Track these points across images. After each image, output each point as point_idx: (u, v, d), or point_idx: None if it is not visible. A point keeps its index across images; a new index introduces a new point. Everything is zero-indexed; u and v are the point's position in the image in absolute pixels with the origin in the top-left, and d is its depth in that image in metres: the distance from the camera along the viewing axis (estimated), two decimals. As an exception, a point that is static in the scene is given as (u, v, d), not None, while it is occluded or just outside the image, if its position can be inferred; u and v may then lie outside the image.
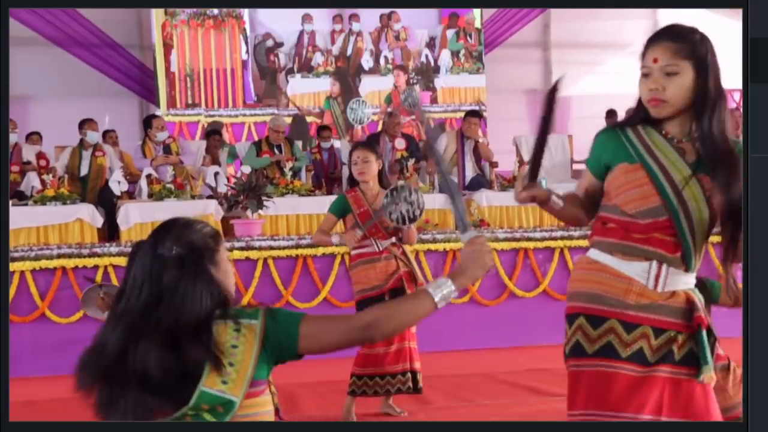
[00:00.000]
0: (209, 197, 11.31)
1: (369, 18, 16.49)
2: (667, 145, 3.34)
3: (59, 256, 9.54)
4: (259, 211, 10.34)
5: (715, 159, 3.29)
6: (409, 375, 6.97)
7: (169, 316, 2.71)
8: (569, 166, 13.71)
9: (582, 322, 3.35)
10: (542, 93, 17.69)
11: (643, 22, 15.65)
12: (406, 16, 16.59)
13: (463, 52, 16.76)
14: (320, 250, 10.05)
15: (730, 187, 3.26)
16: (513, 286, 10.50)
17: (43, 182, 11.08)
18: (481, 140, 12.99)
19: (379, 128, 13.75)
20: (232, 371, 2.69)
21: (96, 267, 9.59)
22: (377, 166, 7.03)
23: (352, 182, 7.17)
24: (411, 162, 11.84)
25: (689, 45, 3.28)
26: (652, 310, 3.28)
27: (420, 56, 16.75)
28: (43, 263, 9.49)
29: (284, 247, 10.02)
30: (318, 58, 16.31)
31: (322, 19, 16.42)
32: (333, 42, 16.41)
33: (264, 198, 10.31)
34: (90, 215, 10.71)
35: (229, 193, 10.53)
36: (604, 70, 16.12)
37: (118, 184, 11.60)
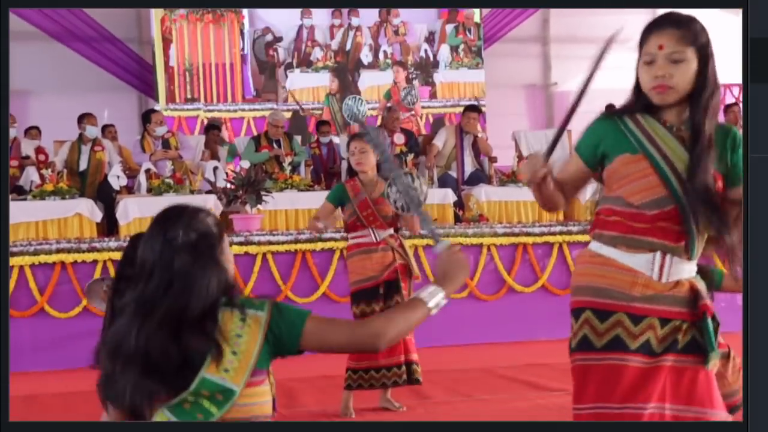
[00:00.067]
0: (208, 192, 11.30)
1: (368, 13, 16.47)
2: (668, 133, 3.32)
3: (58, 251, 9.56)
4: (258, 205, 10.35)
5: (698, 145, 3.29)
6: (404, 368, 6.98)
7: (179, 301, 2.72)
8: (568, 161, 13.70)
9: (589, 315, 3.34)
10: (541, 88, 17.76)
11: (643, 17, 15.54)
12: (405, 10, 16.56)
13: (462, 47, 16.75)
14: (319, 245, 10.06)
15: (696, 172, 3.27)
16: (512, 281, 10.52)
17: (42, 177, 11.06)
18: (480, 135, 12.99)
19: (378, 123, 13.74)
20: (235, 360, 2.71)
21: (95, 262, 9.61)
22: (375, 157, 7.04)
23: (351, 173, 7.19)
24: (410, 157, 11.84)
25: (692, 32, 3.28)
26: (657, 301, 3.28)
27: (419, 51, 16.74)
28: (42, 258, 9.52)
29: (283, 242, 10.04)
30: (317, 53, 16.29)
31: (321, 13, 16.39)
32: (332, 37, 16.40)
33: (263, 193, 10.32)
34: (89, 210, 10.71)
35: (228, 187, 10.53)
36: (604, 65, 16.08)
37: (117, 178, 11.59)
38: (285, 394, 7.65)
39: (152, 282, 2.75)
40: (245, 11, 15.92)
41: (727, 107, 13.01)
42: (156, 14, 15.49)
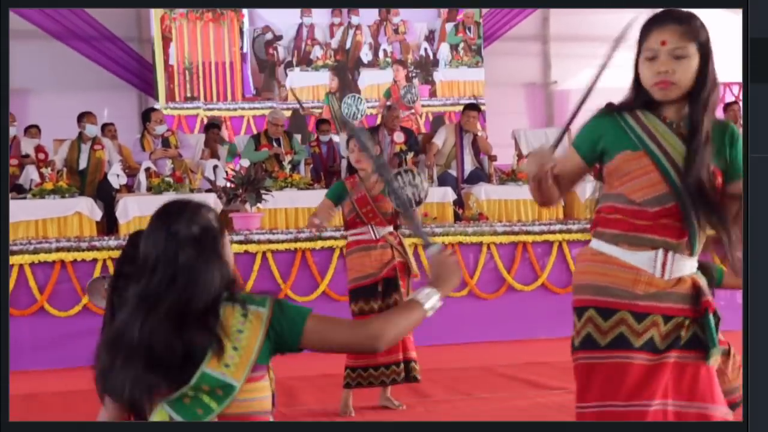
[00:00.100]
0: (208, 191, 11.31)
1: (368, 11, 16.46)
2: (668, 130, 3.31)
3: (58, 250, 9.56)
4: (258, 204, 10.35)
5: (695, 140, 3.29)
6: (402, 366, 6.98)
7: (183, 295, 2.72)
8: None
9: (592, 314, 3.33)
10: (541, 86, 17.75)
11: (643, 16, 15.59)
12: (404, 9, 16.55)
13: (462, 45, 16.75)
14: (319, 244, 10.07)
15: (692, 166, 3.27)
16: (512, 280, 10.52)
17: (41, 175, 11.06)
18: (479, 134, 12.99)
19: (378, 122, 13.74)
20: (236, 355, 2.71)
21: (95, 260, 9.61)
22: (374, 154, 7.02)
23: (351, 171, 7.19)
24: (410, 155, 11.83)
25: (694, 28, 3.28)
26: (660, 299, 3.28)
27: (419, 50, 16.74)
28: (42, 257, 9.52)
29: (283, 241, 10.04)
30: (317, 52, 16.29)
31: (320, 12, 16.38)
32: (332, 35, 16.39)
33: (263, 191, 10.31)
34: (89, 209, 10.71)
35: (228, 186, 10.53)
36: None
37: (116, 177, 11.59)
38: (285, 393, 7.65)
39: (156, 276, 2.75)
40: (245, 10, 15.90)
41: (727, 105, 13.01)
42: (156, 13, 15.48)
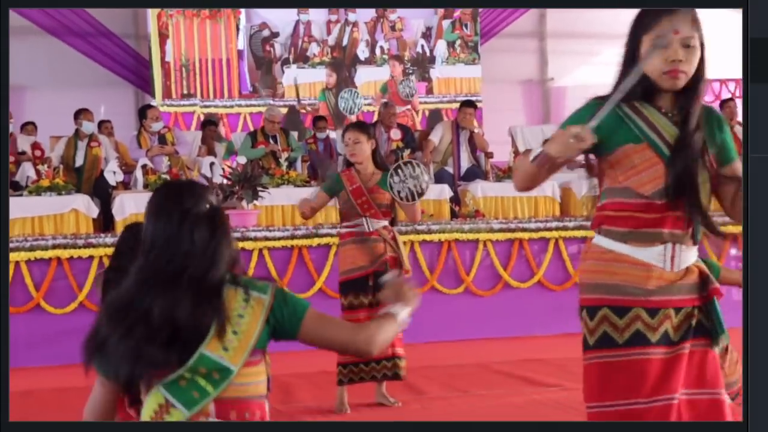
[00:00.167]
0: (204, 187, 11.28)
1: (365, 8, 16.45)
2: (667, 121, 3.30)
3: (54, 247, 9.55)
4: (255, 201, 10.35)
5: (687, 126, 3.29)
6: (393, 361, 6.97)
7: (196, 271, 2.74)
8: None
9: (607, 312, 3.31)
10: (538, 83, 17.76)
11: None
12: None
13: (458, 42, 16.74)
14: (315, 241, 10.07)
15: (680, 153, 3.27)
16: (508, 277, 10.52)
17: (38, 172, 11.07)
18: (476, 131, 13.00)
19: (375, 119, 13.75)
20: (235, 340, 2.72)
21: (91, 257, 9.60)
22: (369, 147, 7.04)
23: (349, 165, 7.19)
24: (406, 152, 11.86)
25: (698, 19, 3.28)
26: (672, 292, 3.28)
27: (416, 47, 16.73)
28: (38, 254, 9.50)
29: (279, 238, 10.04)
30: (314, 49, 16.29)
31: (317, 9, 16.37)
32: (329, 32, 16.38)
33: (259, 188, 10.31)
34: (85, 206, 10.72)
35: (225, 183, 10.53)
36: (600, 61, 16.05)
37: (113, 174, 11.59)
38: (281, 390, 7.65)
39: (167, 253, 2.76)
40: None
41: (723, 102, 13.02)
42: (152, 10, 15.46)
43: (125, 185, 11.77)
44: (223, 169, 11.61)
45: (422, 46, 16.75)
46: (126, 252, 3.49)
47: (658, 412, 3.24)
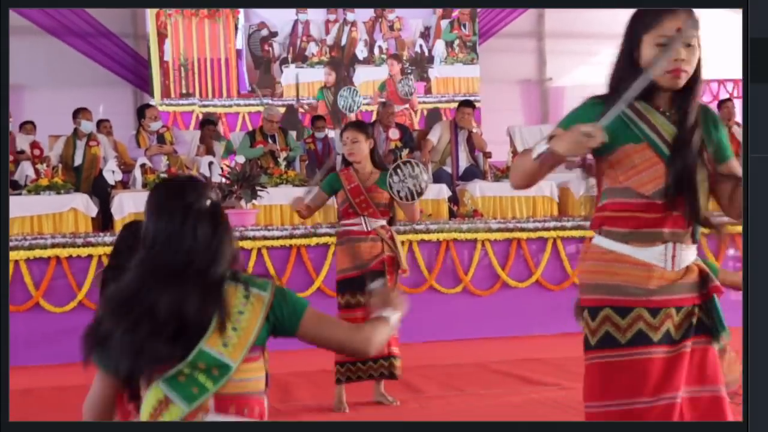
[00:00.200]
0: (203, 187, 11.28)
1: (364, 8, 16.45)
2: (666, 120, 3.30)
3: (53, 246, 9.55)
4: (253, 200, 10.35)
5: (685, 125, 3.30)
6: (389, 360, 6.98)
7: (201, 267, 2.76)
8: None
9: (609, 313, 3.30)
10: (536, 83, 17.76)
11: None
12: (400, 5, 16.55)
13: (457, 42, 16.74)
14: (314, 240, 10.07)
15: (679, 154, 3.27)
16: (506, 277, 10.53)
17: (37, 171, 11.08)
18: (474, 130, 12.99)
19: (373, 118, 13.75)
20: (234, 336, 2.73)
21: (90, 256, 9.61)
22: (367, 146, 7.05)
23: (347, 164, 7.20)
24: (405, 152, 11.86)
25: (696, 19, 3.27)
26: (673, 291, 3.28)
27: (414, 46, 16.74)
28: (37, 252, 9.51)
29: (278, 237, 10.05)
30: (312, 48, 16.29)
31: (316, 9, 16.36)
32: (327, 32, 16.38)
33: (258, 188, 10.32)
34: (84, 205, 10.72)
35: (223, 182, 10.53)
36: (598, 61, 16.07)
37: (112, 173, 11.61)
38: (280, 389, 7.66)
39: (171, 247, 2.77)
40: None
41: (721, 102, 13.05)
42: (151, 9, 15.46)
43: (124, 184, 11.78)
44: (221, 168, 11.62)
45: (421, 45, 16.75)
46: (125, 251, 3.49)
47: (661, 412, 3.24)
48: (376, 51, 16.49)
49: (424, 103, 16.57)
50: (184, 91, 15.62)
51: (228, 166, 11.23)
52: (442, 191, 11.56)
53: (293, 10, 16.14)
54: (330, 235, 9.89)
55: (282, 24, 16.24)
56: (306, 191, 7.44)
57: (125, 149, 12.43)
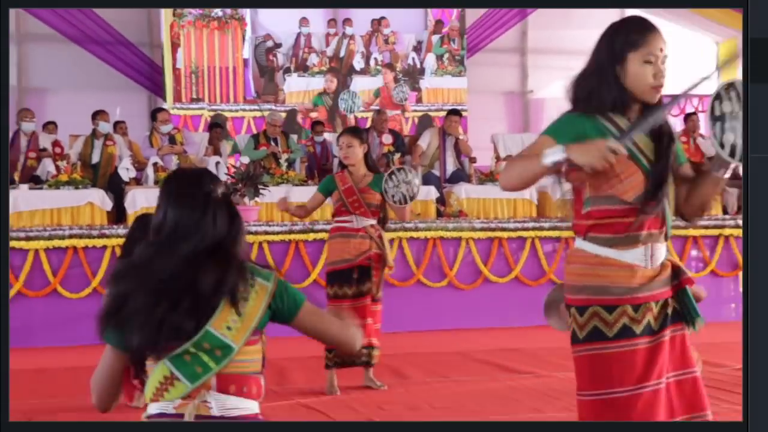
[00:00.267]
0: (210, 185, 11.25)
1: (361, 22, 16.46)
2: (629, 125, 3.26)
3: (71, 237, 9.56)
4: (256, 198, 10.33)
5: (664, 137, 3.29)
6: (369, 350, 6.98)
7: (226, 247, 2.77)
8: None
9: (597, 309, 3.28)
10: (518, 95, 17.76)
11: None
12: (394, 21, 16.56)
13: (446, 55, 16.73)
14: (311, 236, 10.07)
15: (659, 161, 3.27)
16: (488, 273, 10.53)
17: (57, 168, 11.07)
18: (461, 137, 13.00)
19: (368, 125, 13.74)
20: (238, 321, 2.72)
21: (104, 247, 9.61)
22: (362, 151, 7.06)
23: (343, 166, 7.21)
24: (397, 156, 11.87)
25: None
26: (653, 287, 3.27)
27: (407, 59, 16.73)
28: (56, 242, 9.52)
29: (278, 232, 10.05)
30: (313, 59, 16.28)
31: (317, 22, 16.39)
32: (327, 44, 16.38)
33: (260, 186, 10.30)
34: (100, 199, 10.73)
35: (229, 181, 10.51)
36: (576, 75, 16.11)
37: (126, 171, 11.60)
38: (276, 373, 7.65)
39: (194, 231, 2.75)
40: (248, 19, 15.89)
41: (687, 116, 13.12)
42: (166, 20, 15.46)
43: (137, 181, 11.76)
44: (227, 168, 11.60)
45: (413, 58, 16.74)
46: (137, 241, 3.45)
47: (648, 397, 3.23)
48: (372, 62, 16.48)
49: (415, 111, 16.57)
50: (194, 96, 15.58)
51: (233, 166, 11.20)
52: (431, 193, 11.55)
53: (296, 24, 16.14)
54: (326, 231, 9.84)
55: (286, 36, 16.24)
56: (287, 190, 7.49)
57: (139, 149, 12.42)
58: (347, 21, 16.35)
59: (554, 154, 3.13)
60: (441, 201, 11.89)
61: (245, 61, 15.94)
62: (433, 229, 10.41)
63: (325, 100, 16.09)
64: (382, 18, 16.49)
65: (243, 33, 15.86)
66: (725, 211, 11.97)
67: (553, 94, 16.72)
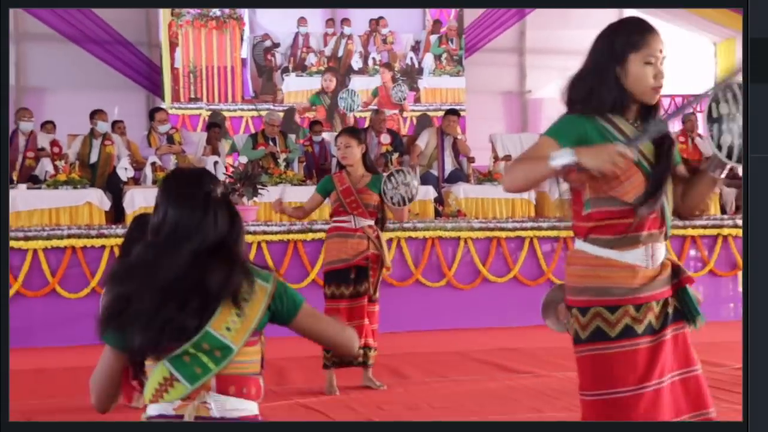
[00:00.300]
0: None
1: (359, 22, 16.46)
2: (636, 131, 3.25)
3: (69, 236, 9.54)
4: (255, 198, 10.33)
5: (667, 138, 3.31)
6: (365, 350, 6.98)
7: (229, 245, 2.75)
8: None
9: (599, 310, 3.28)
10: (517, 95, 17.77)
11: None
12: (392, 21, 16.56)
13: (444, 55, 16.74)
14: (309, 236, 10.06)
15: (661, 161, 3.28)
16: (486, 272, 10.52)
17: (56, 168, 11.08)
18: (459, 137, 13.00)
19: (366, 124, 13.74)
20: (238, 321, 2.71)
21: (103, 247, 9.59)
22: (360, 151, 7.06)
23: (341, 167, 7.20)
24: (395, 156, 11.87)
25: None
26: (654, 287, 3.27)
27: (405, 59, 16.73)
28: (55, 242, 9.50)
29: (276, 232, 10.04)
30: (311, 59, 16.27)
31: (315, 22, 16.38)
32: (325, 44, 16.37)
33: (259, 186, 10.29)
34: (98, 199, 10.73)
35: (227, 181, 10.50)
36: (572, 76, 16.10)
37: (124, 170, 11.59)
38: (275, 373, 7.64)
39: (195, 230, 2.73)
40: (246, 18, 15.88)
41: (686, 116, 13.07)
42: (164, 20, 15.46)
43: (135, 181, 11.75)
44: (226, 167, 11.59)
45: (411, 58, 16.74)
46: (135, 241, 3.45)
47: (650, 397, 3.22)
48: (370, 62, 16.48)
49: (414, 111, 16.57)
50: (192, 96, 15.58)
51: (231, 166, 11.19)
52: (429, 193, 11.55)
53: (295, 24, 16.13)
54: (324, 231, 9.85)
55: (284, 36, 16.23)
56: (281, 190, 7.49)
57: (137, 148, 12.41)
58: (345, 21, 16.35)
59: (563, 157, 3.11)
60: (439, 201, 11.89)
61: (243, 61, 15.94)
62: (431, 229, 10.41)
63: (323, 100, 16.08)
64: (380, 18, 16.49)
65: (241, 33, 15.85)
66: (723, 211, 11.98)
67: (551, 94, 16.62)
